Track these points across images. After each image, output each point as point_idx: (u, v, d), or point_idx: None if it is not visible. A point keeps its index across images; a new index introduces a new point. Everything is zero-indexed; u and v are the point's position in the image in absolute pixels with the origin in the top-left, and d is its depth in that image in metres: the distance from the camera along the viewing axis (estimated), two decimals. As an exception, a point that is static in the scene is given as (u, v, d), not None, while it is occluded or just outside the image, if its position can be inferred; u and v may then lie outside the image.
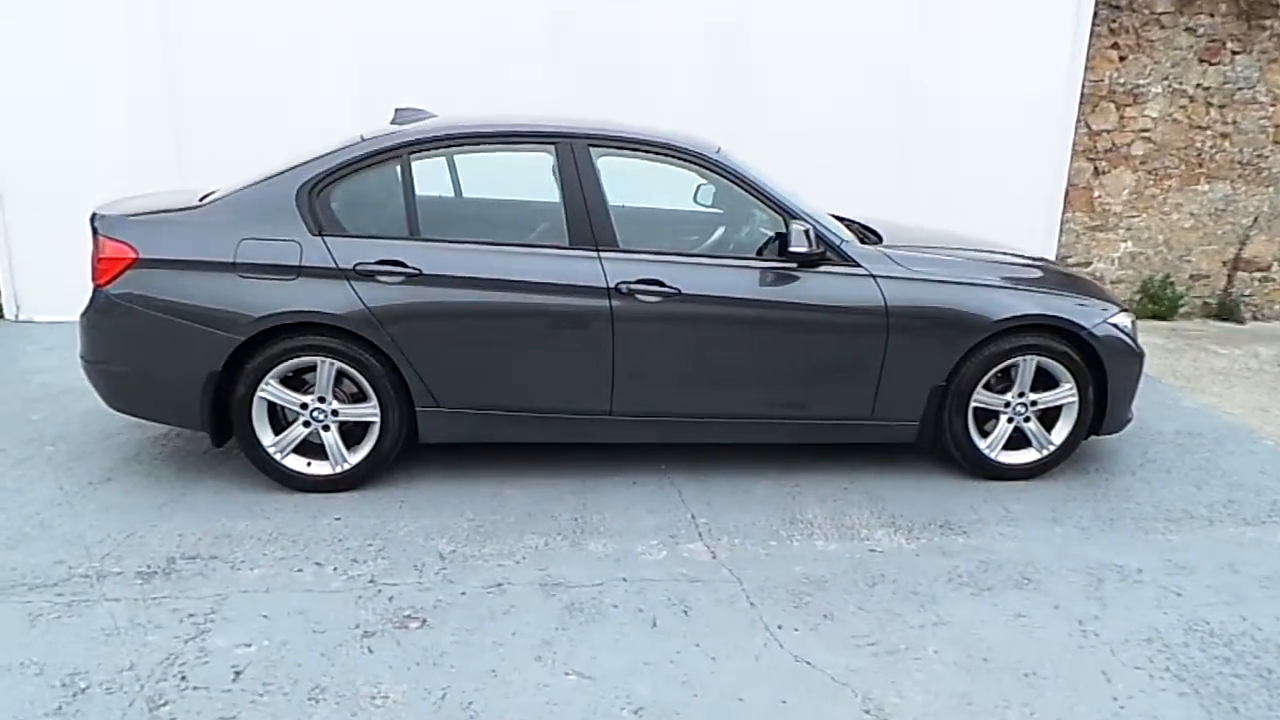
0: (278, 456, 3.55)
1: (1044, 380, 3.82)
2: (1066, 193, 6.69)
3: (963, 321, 3.66)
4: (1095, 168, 6.78)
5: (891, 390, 3.72)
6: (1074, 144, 6.59)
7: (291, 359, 3.45)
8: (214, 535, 3.26)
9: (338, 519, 3.41)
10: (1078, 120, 6.53)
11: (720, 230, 4.35)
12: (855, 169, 6.10)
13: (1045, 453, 3.87)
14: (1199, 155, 6.83)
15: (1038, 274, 3.94)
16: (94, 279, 3.48)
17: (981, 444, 3.83)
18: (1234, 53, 6.62)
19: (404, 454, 3.72)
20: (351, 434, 3.60)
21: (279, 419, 3.58)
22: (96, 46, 5.75)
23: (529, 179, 3.90)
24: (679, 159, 3.70)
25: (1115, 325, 3.80)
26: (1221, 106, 6.73)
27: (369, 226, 3.58)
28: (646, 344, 3.56)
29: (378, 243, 3.48)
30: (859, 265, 3.66)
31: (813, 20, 6.10)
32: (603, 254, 3.54)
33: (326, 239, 3.45)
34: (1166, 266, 7.02)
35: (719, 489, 3.74)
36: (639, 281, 3.51)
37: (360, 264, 3.43)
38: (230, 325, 3.38)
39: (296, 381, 3.54)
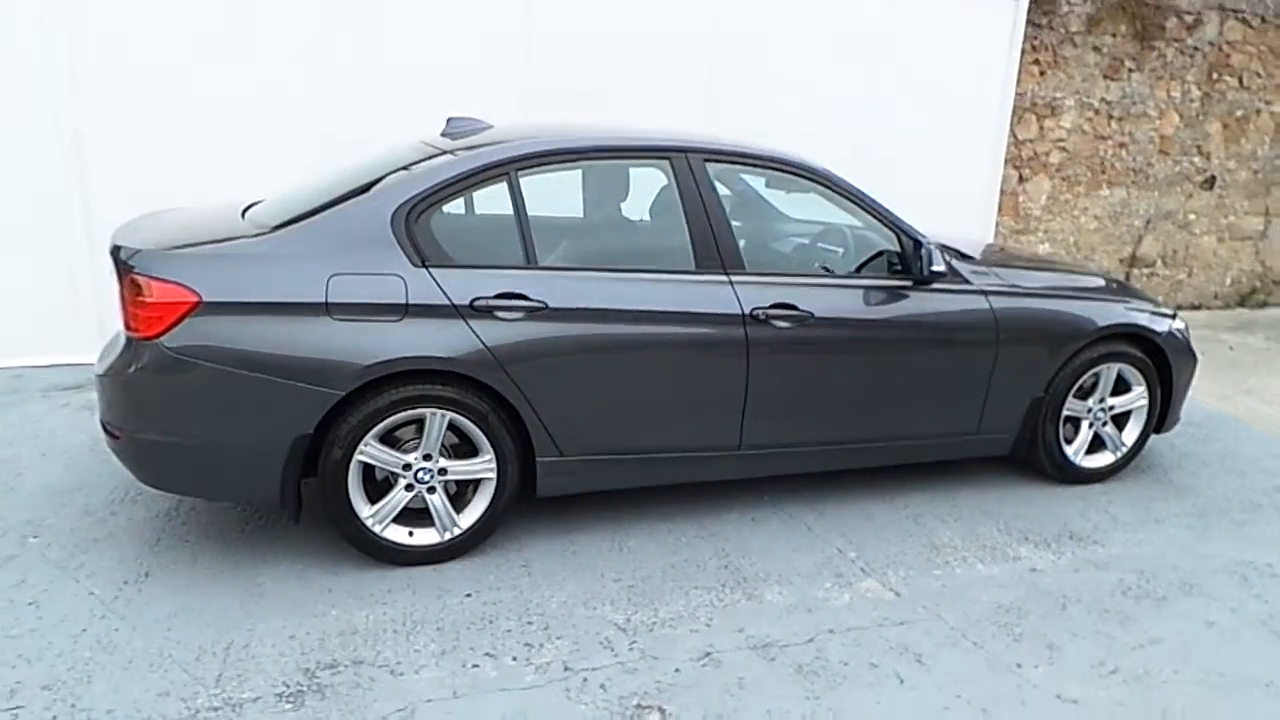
0: (377, 529, 3.01)
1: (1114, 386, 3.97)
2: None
3: (1063, 333, 3.72)
4: (1020, 175, 7.23)
5: (997, 404, 3.71)
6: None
7: (399, 413, 2.92)
8: (336, 633, 2.70)
9: (469, 596, 2.93)
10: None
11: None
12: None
13: (1119, 455, 4.02)
14: (1102, 163, 7.45)
15: (1103, 282, 4.08)
16: (135, 328, 2.79)
17: (1068, 450, 3.92)
18: (1130, 70, 7.28)
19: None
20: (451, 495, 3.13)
21: (369, 484, 3.04)
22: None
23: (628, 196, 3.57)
24: (794, 173, 3.50)
25: (1179, 330, 4.00)
26: (1120, 119, 7.38)
27: (479, 255, 3.11)
28: (779, 373, 3.34)
29: (493, 274, 3.02)
30: (968, 281, 3.62)
31: (785, 23, 6.05)
32: (733, 278, 3.28)
33: (432, 271, 2.95)
34: (1076, 265, 7.60)
35: (839, 517, 3.58)
36: (773, 306, 3.28)
37: (478, 299, 2.96)
38: (328, 378, 2.82)
39: (389, 439, 3.01)
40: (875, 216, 3.55)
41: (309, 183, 3.47)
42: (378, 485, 3.05)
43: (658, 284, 3.21)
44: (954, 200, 6.73)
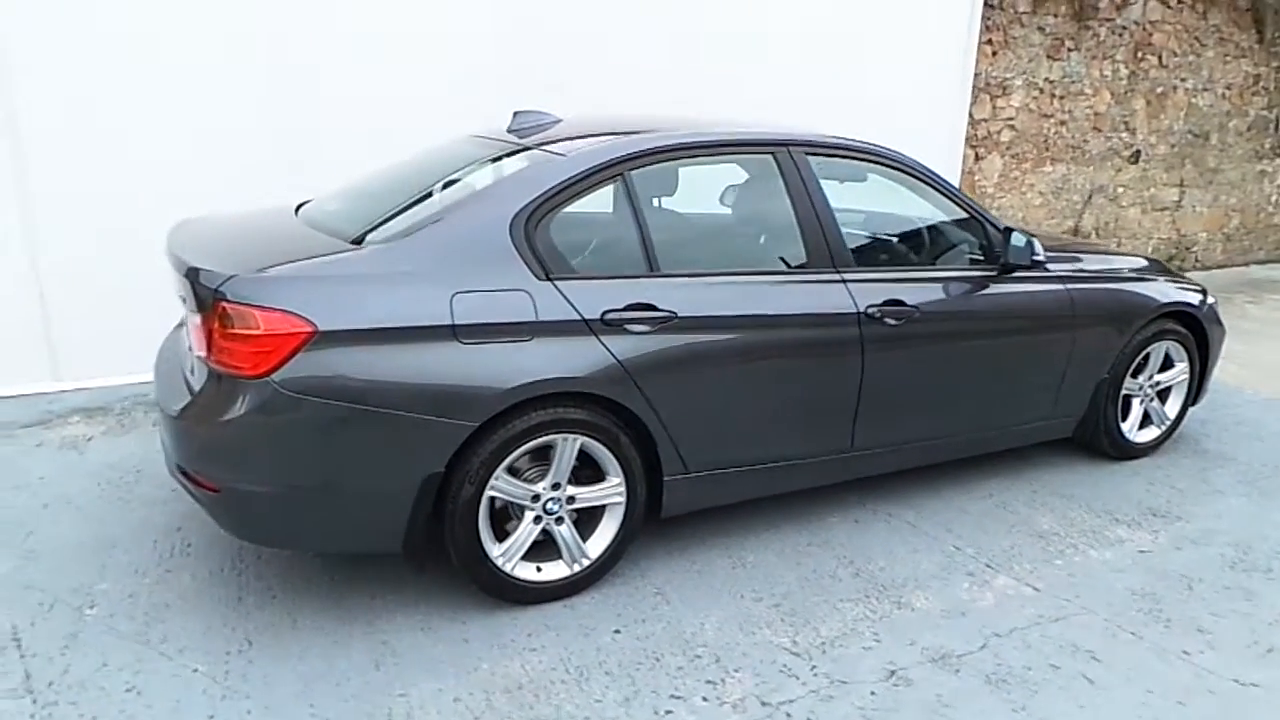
0: (508, 567, 2.75)
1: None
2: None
3: (1129, 315, 3.81)
4: (975, 154, 7.42)
5: (1070, 388, 3.77)
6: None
7: (531, 440, 2.67)
8: (500, 689, 2.44)
9: (617, 632, 2.72)
10: (963, 111, 7.08)
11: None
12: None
13: (1163, 429, 4.18)
14: (1045, 141, 7.74)
15: (1146, 263, 4.20)
16: (234, 365, 2.41)
17: (1124, 428, 4.03)
18: (1070, 50, 7.58)
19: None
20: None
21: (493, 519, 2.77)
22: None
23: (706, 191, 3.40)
24: (885, 164, 3.41)
25: (1212, 306, 4.18)
26: (1061, 97, 7.68)
27: (599, 264, 2.87)
28: (888, 371, 3.25)
29: (617, 284, 2.80)
30: (1048, 269, 3.64)
31: (749, 14, 5.97)
32: (844, 275, 3.16)
33: (557, 284, 2.70)
34: (1024, 240, 7.90)
35: (936, 512, 3.55)
36: (885, 303, 3.19)
37: (609, 312, 2.73)
38: (462, 408, 2.53)
39: (511, 469, 2.75)
40: (961, 206, 3.52)
41: (365, 183, 3.16)
42: (497, 520, 2.79)
43: (776, 286, 3.06)
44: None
